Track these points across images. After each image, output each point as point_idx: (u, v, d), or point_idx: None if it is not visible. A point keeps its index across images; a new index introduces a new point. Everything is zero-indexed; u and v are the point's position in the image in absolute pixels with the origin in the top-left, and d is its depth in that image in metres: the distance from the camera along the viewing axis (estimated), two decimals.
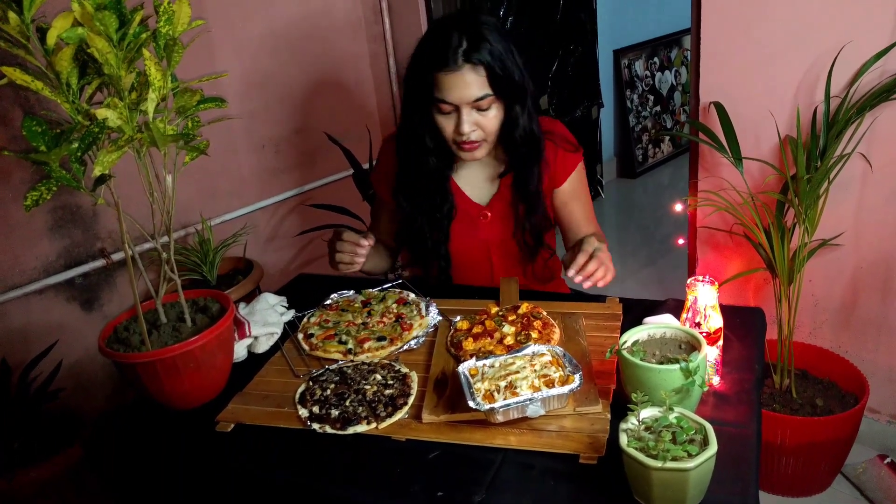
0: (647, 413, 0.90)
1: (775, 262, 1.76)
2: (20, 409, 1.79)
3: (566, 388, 1.00)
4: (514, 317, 1.28)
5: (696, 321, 1.12)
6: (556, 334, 1.25)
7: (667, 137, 4.69)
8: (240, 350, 1.32)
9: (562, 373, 1.04)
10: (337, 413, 1.09)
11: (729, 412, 1.04)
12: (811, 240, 1.73)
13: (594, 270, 1.27)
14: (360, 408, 1.10)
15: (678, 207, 1.92)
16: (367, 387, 1.15)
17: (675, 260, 3.12)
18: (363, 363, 1.24)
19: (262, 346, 1.35)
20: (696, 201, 1.97)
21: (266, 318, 1.38)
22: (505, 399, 1.00)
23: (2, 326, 1.90)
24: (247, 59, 2.36)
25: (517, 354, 1.10)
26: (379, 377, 1.18)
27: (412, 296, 1.45)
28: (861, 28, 1.64)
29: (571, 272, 1.26)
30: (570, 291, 1.66)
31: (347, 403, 1.11)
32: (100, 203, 1.03)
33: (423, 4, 2.63)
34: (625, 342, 1.05)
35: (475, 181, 1.57)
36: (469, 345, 1.22)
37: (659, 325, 1.09)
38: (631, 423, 0.89)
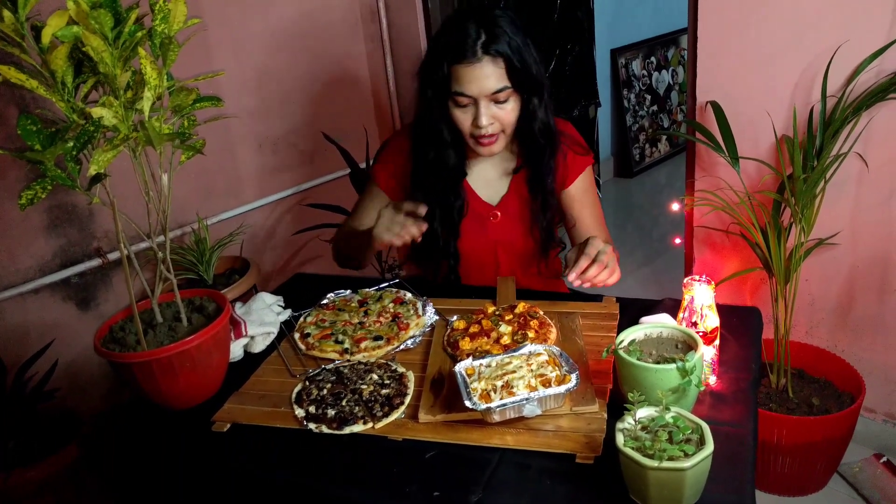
0: (644, 412, 0.90)
1: (772, 262, 1.76)
2: (16, 409, 1.78)
3: (563, 388, 1.00)
4: (511, 316, 1.28)
5: (693, 320, 1.12)
6: (553, 334, 1.25)
7: (664, 137, 4.69)
8: (236, 350, 1.31)
9: (558, 372, 1.04)
10: (333, 413, 1.09)
11: (725, 412, 1.04)
12: (807, 239, 1.74)
13: (595, 276, 1.23)
14: (357, 407, 1.10)
15: (675, 207, 1.93)
16: (364, 386, 1.15)
17: (672, 259, 3.12)
18: (360, 363, 1.24)
19: (259, 346, 1.34)
20: (692, 201, 1.97)
21: (262, 318, 1.38)
22: (501, 399, 1.00)
23: None
24: (244, 58, 2.36)
25: (514, 354, 1.10)
26: (375, 377, 1.17)
27: (409, 295, 1.45)
28: (857, 28, 1.64)
29: (572, 276, 1.23)
30: (568, 291, 1.66)
31: (344, 403, 1.11)
32: (95, 202, 1.02)
33: (421, 4, 2.63)
34: (621, 342, 1.05)
35: (486, 180, 1.56)
36: (466, 344, 1.22)
37: (655, 324, 1.09)
38: (627, 422, 0.89)
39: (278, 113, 2.50)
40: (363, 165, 2.49)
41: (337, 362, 1.25)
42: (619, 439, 0.86)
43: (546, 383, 1.01)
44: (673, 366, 0.95)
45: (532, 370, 1.05)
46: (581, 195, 1.54)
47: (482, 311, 1.32)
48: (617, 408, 0.98)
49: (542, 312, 1.30)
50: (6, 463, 1.71)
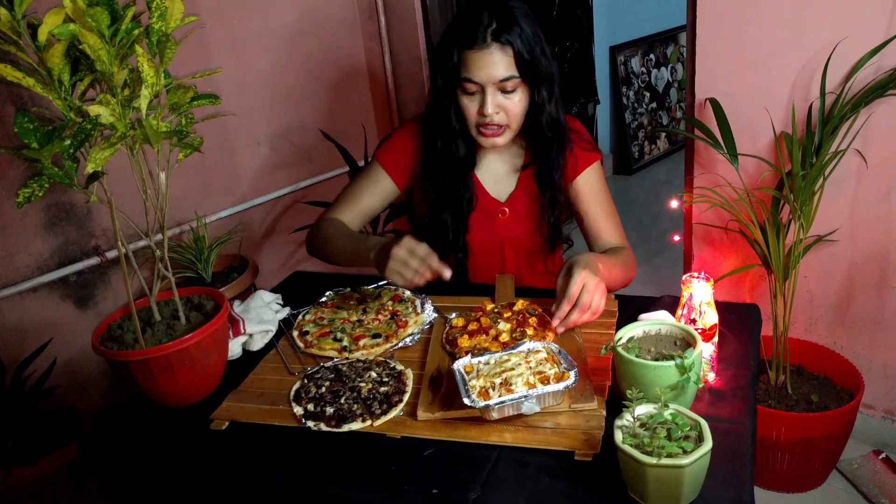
0: (643, 410, 0.90)
1: (771, 259, 1.76)
2: (15, 408, 1.78)
3: (561, 385, 0.99)
4: (510, 314, 1.28)
5: (692, 318, 1.12)
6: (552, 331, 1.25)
7: (663, 134, 4.69)
8: (234, 348, 1.31)
9: (557, 369, 1.04)
10: (332, 410, 1.09)
11: (724, 408, 1.04)
12: (806, 236, 1.74)
13: (576, 321, 1.21)
14: (356, 405, 1.10)
15: (674, 204, 1.92)
16: (363, 384, 1.15)
17: (671, 256, 3.12)
18: (358, 360, 1.24)
19: (257, 344, 1.34)
20: (691, 198, 1.97)
21: (261, 316, 1.38)
22: (500, 396, 0.99)
23: None
24: (242, 56, 2.35)
25: (512, 351, 1.10)
26: (374, 374, 1.17)
27: (407, 293, 1.45)
28: (856, 24, 1.64)
29: (555, 322, 1.20)
30: None
31: (342, 401, 1.11)
32: (93, 200, 1.02)
33: (419, 1, 2.62)
34: (620, 339, 1.05)
35: (495, 176, 1.56)
36: (464, 342, 1.22)
37: (654, 321, 1.09)
38: (626, 419, 0.89)
39: (276, 111, 2.50)
40: (361, 163, 2.48)
41: (335, 360, 1.25)
42: (618, 436, 0.86)
43: (545, 380, 1.01)
44: (672, 363, 0.95)
45: (531, 367, 1.05)
46: (588, 190, 1.52)
47: (481, 309, 1.32)
48: (616, 405, 0.98)
49: (540, 310, 1.30)
50: (5, 462, 1.71)
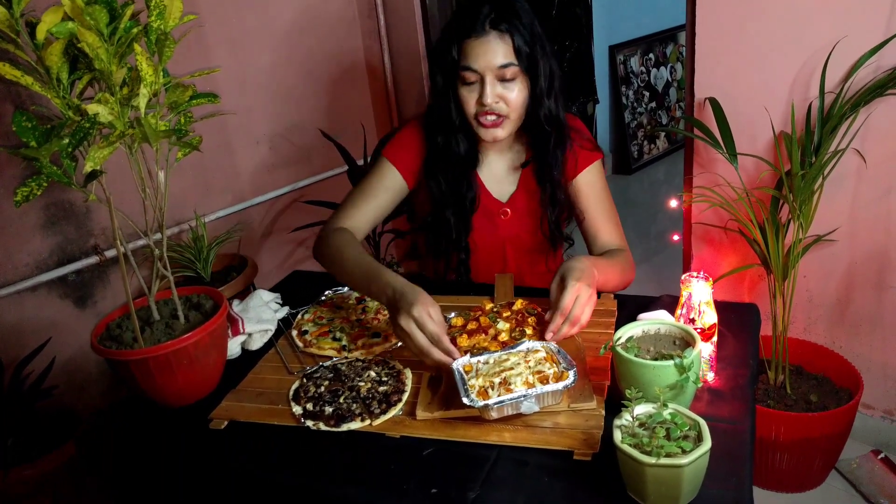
0: (642, 409, 0.90)
1: (770, 258, 1.76)
2: (14, 407, 1.78)
3: (560, 385, 0.99)
4: (509, 313, 1.28)
5: (691, 317, 1.12)
6: None
7: (662, 133, 4.69)
8: (233, 347, 1.31)
9: (556, 369, 1.04)
10: (331, 410, 1.09)
11: (723, 408, 1.04)
12: (805, 236, 1.74)
13: (567, 333, 1.18)
14: (355, 405, 1.10)
15: (673, 203, 1.92)
16: (362, 384, 1.15)
17: (670, 256, 3.12)
18: (357, 360, 1.24)
19: (256, 343, 1.34)
20: (691, 197, 1.97)
21: (260, 315, 1.38)
22: (499, 395, 0.99)
23: None
24: (240, 55, 2.35)
25: (512, 351, 1.10)
26: (373, 374, 1.17)
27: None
28: (855, 24, 1.64)
29: (549, 335, 1.18)
30: None
31: (341, 400, 1.11)
32: (91, 199, 1.02)
33: (419, 0, 2.62)
34: (619, 338, 1.05)
35: (496, 176, 1.55)
36: (463, 341, 1.21)
37: (653, 321, 1.09)
38: (625, 419, 0.89)
39: (275, 110, 2.50)
40: (361, 162, 2.48)
41: (334, 359, 1.25)
42: (617, 436, 0.86)
43: (544, 380, 1.01)
44: (671, 362, 0.95)
45: (530, 367, 1.04)
46: (588, 189, 1.52)
47: (480, 308, 1.32)
48: (615, 404, 0.98)
49: (539, 309, 1.30)
50: (4, 461, 1.71)
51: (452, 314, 1.33)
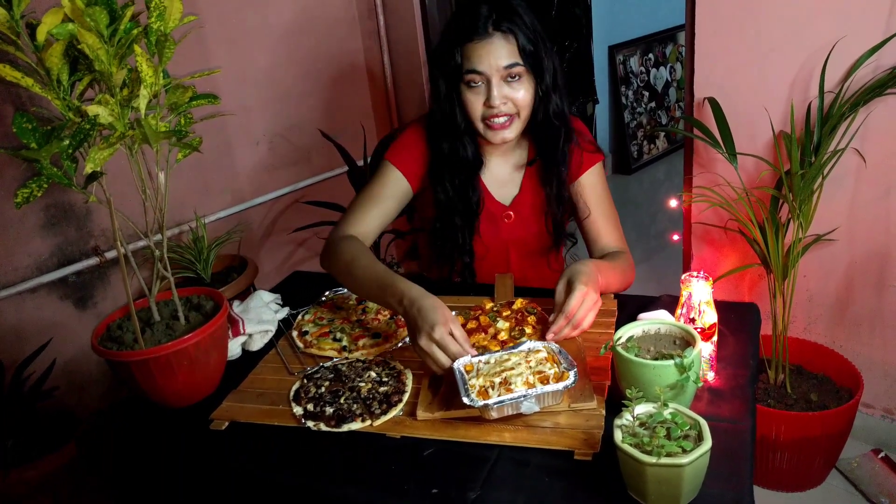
0: (642, 409, 0.90)
1: (770, 258, 1.76)
2: (14, 408, 1.78)
3: (561, 385, 0.99)
4: (509, 312, 1.28)
5: (691, 317, 1.12)
6: None
7: (662, 133, 4.69)
8: (234, 348, 1.31)
9: (557, 369, 1.04)
10: (331, 410, 1.09)
11: (724, 408, 1.04)
12: (805, 235, 1.74)
13: (568, 335, 1.19)
14: (355, 405, 1.10)
15: (673, 203, 1.92)
16: (362, 384, 1.15)
17: (670, 256, 3.12)
18: (358, 360, 1.24)
19: (257, 344, 1.34)
20: (690, 197, 1.97)
21: (260, 316, 1.38)
22: (499, 395, 0.99)
23: None
24: (240, 55, 2.35)
25: (513, 351, 1.10)
26: (373, 374, 1.17)
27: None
28: (855, 23, 1.64)
29: (549, 336, 1.18)
30: None
31: (342, 401, 1.11)
32: (92, 200, 1.02)
33: (418, 0, 2.62)
34: (619, 338, 1.05)
35: (499, 179, 1.55)
36: None
37: (653, 321, 1.09)
38: (625, 419, 0.89)
39: (275, 110, 2.50)
40: (360, 163, 2.48)
41: (335, 360, 1.25)
42: (618, 436, 0.86)
43: (544, 380, 1.01)
44: (671, 362, 0.95)
45: (530, 367, 1.05)
46: (590, 190, 1.52)
47: (480, 308, 1.32)
48: (615, 404, 0.98)
49: (539, 308, 1.30)
50: (5, 462, 1.71)
51: (453, 313, 1.33)
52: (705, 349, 1.09)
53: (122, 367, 1.09)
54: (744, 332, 1.23)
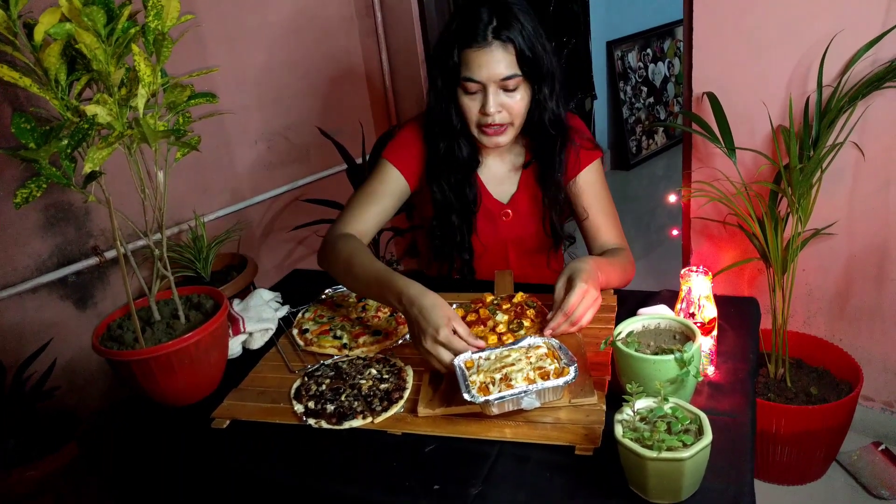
0: (642, 404, 0.90)
1: (769, 252, 1.77)
2: (15, 408, 1.78)
3: (561, 381, 1.00)
4: (508, 305, 1.28)
5: (691, 311, 1.12)
6: None
7: (661, 129, 4.69)
8: (234, 346, 1.31)
9: (557, 365, 1.04)
10: (332, 408, 1.09)
11: (724, 402, 1.04)
12: (804, 229, 1.74)
13: (566, 331, 1.20)
14: (356, 402, 1.10)
15: (672, 198, 1.93)
16: (363, 381, 1.15)
17: (670, 251, 3.12)
18: (358, 358, 1.24)
19: (257, 342, 1.34)
20: (689, 192, 1.97)
21: (260, 314, 1.38)
22: (500, 391, 1.00)
23: None
24: (238, 54, 2.35)
25: (513, 347, 1.10)
26: (374, 371, 1.17)
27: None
28: (852, 17, 1.64)
29: (547, 332, 1.19)
30: None
31: (343, 398, 1.11)
32: (91, 200, 1.02)
33: None
34: (619, 333, 1.06)
35: (496, 177, 1.55)
36: None
37: (653, 315, 1.09)
38: (626, 413, 0.89)
39: (274, 109, 2.50)
40: (359, 161, 2.48)
41: (335, 357, 1.26)
42: (618, 430, 0.86)
43: (545, 376, 1.02)
44: (671, 357, 0.96)
45: (531, 363, 1.05)
46: (588, 187, 1.51)
47: (480, 301, 1.32)
48: (616, 399, 0.98)
49: (540, 303, 1.30)
50: (6, 462, 1.71)
51: (453, 305, 1.33)
52: (705, 344, 1.09)
53: (122, 367, 1.09)
54: (743, 326, 1.24)
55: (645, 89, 4.57)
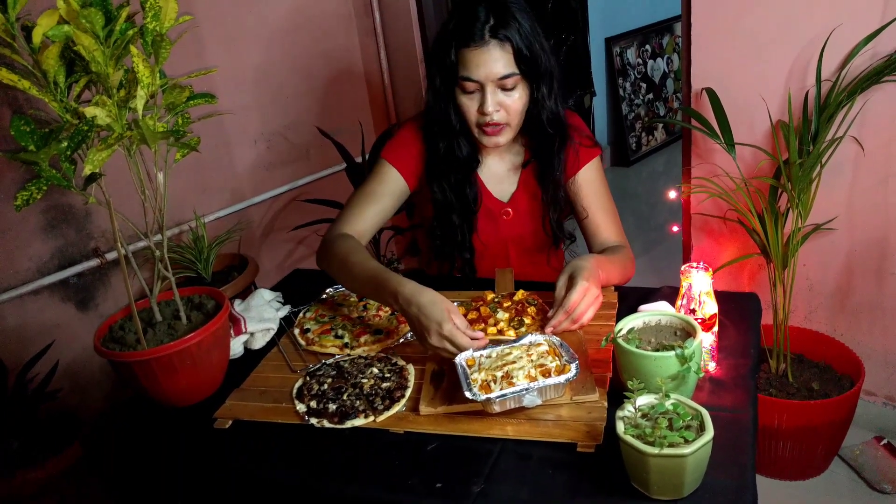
0: (644, 400, 0.90)
1: (769, 248, 1.76)
2: (18, 410, 1.79)
3: (562, 378, 1.00)
4: (509, 303, 1.29)
5: (692, 308, 1.12)
6: None
7: (660, 125, 4.69)
8: (236, 346, 1.31)
9: (558, 362, 1.04)
10: (334, 407, 1.09)
11: (725, 398, 1.04)
12: (804, 224, 1.74)
13: (566, 328, 1.21)
14: (358, 401, 1.10)
15: (672, 195, 1.92)
16: (365, 380, 1.15)
17: (670, 247, 3.12)
18: (360, 357, 1.24)
19: (259, 343, 1.35)
20: (689, 188, 1.97)
21: (262, 314, 1.38)
22: (502, 389, 1.00)
23: None
24: (237, 54, 2.35)
25: (514, 344, 1.11)
26: (376, 370, 1.18)
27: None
28: (851, 11, 1.63)
29: (548, 329, 1.19)
30: None
31: (345, 397, 1.11)
32: (91, 202, 1.02)
33: None
34: (620, 330, 1.06)
35: (496, 176, 1.55)
36: None
37: (654, 312, 1.09)
38: (627, 410, 0.90)
39: (273, 108, 2.50)
40: (359, 160, 2.48)
41: (337, 357, 1.26)
42: (620, 427, 0.86)
43: (546, 373, 1.02)
44: (672, 353, 0.96)
45: (532, 360, 1.05)
46: (587, 185, 1.51)
47: (481, 299, 1.32)
48: (617, 396, 0.99)
49: (541, 300, 1.30)
50: (10, 464, 1.72)
51: (455, 303, 1.33)
52: (706, 340, 1.10)
53: (124, 368, 1.10)
54: (744, 322, 1.24)
55: (644, 86, 4.57)
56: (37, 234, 1.93)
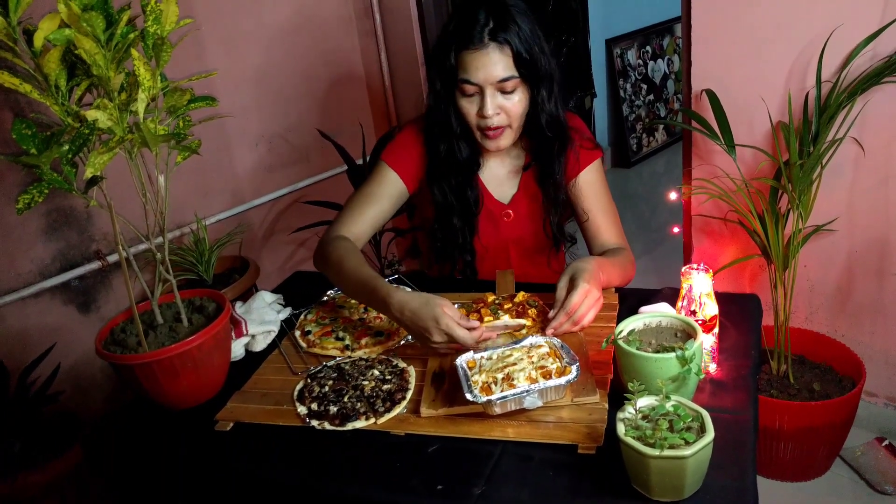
0: (644, 402, 0.91)
1: (770, 249, 1.76)
2: (20, 412, 1.79)
3: (563, 380, 1.00)
4: (510, 305, 1.29)
5: (692, 309, 1.12)
6: None
7: (661, 126, 4.69)
8: (237, 349, 1.32)
9: (559, 364, 1.04)
10: (335, 409, 1.09)
11: (726, 399, 1.04)
12: (805, 225, 1.74)
13: (567, 330, 1.21)
14: (359, 403, 1.10)
15: (673, 196, 1.93)
16: (365, 382, 1.15)
17: (671, 248, 3.12)
18: (361, 359, 1.24)
19: (260, 345, 1.35)
20: (690, 189, 1.97)
21: (263, 317, 1.38)
22: (502, 391, 1.00)
23: None
24: (237, 57, 2.35)
25: (515, 346, 1.11)
26: (377, 372, 1.18)
27: (408, 290, 1.45)
28: (851, 12, 1.64)
29: (549, 331, 1.20)
30: None
31: (346, 399, 1.12)
32: (92, 205, 1.02)
33: None
34: (621, 332, 1.06)
35: (497, 178, 1.55)
36: None
37: (654, 313, 1.09)
38: (628, 412, 0.90)
39: (273, 111, 2.50)
40: (360, 162, 2.48)
41: (338, 359, 1.26)
42: (621, 429, 0.86)
43: (547, 375, 1.02)
44: (672, 355, 0.96)
45: (533, 362, 1.05)
46: (588, 188, 1.51)
47: (482, 301, 1.32)
48: (618, 398, 0.99)
49: (541, 302, 1.30)
50: (11, 466, 1.72)
51: (455, 305, 1.33)
52: (707, 341, 1.10)
53: (126, 371, 1.10)
54: (745, 323, 1.24)
55: (644, 87, 4.57)
56: (38, 236, 1.94)
